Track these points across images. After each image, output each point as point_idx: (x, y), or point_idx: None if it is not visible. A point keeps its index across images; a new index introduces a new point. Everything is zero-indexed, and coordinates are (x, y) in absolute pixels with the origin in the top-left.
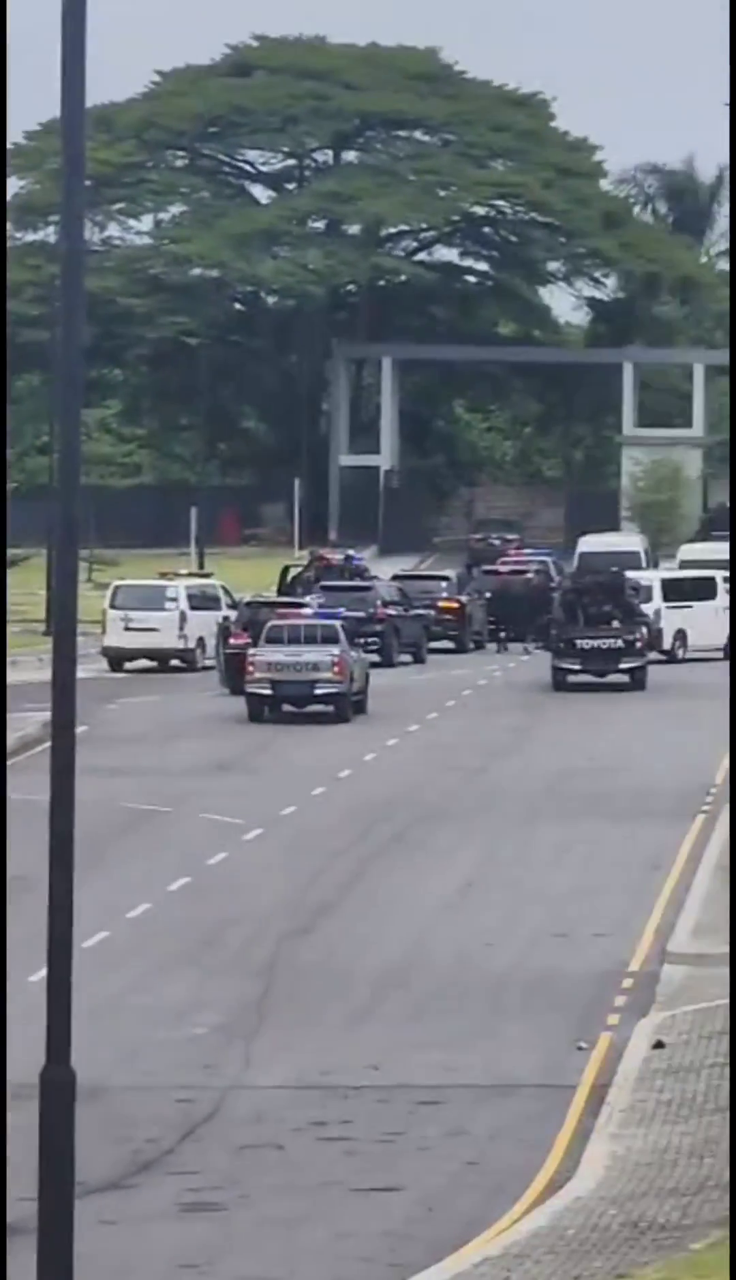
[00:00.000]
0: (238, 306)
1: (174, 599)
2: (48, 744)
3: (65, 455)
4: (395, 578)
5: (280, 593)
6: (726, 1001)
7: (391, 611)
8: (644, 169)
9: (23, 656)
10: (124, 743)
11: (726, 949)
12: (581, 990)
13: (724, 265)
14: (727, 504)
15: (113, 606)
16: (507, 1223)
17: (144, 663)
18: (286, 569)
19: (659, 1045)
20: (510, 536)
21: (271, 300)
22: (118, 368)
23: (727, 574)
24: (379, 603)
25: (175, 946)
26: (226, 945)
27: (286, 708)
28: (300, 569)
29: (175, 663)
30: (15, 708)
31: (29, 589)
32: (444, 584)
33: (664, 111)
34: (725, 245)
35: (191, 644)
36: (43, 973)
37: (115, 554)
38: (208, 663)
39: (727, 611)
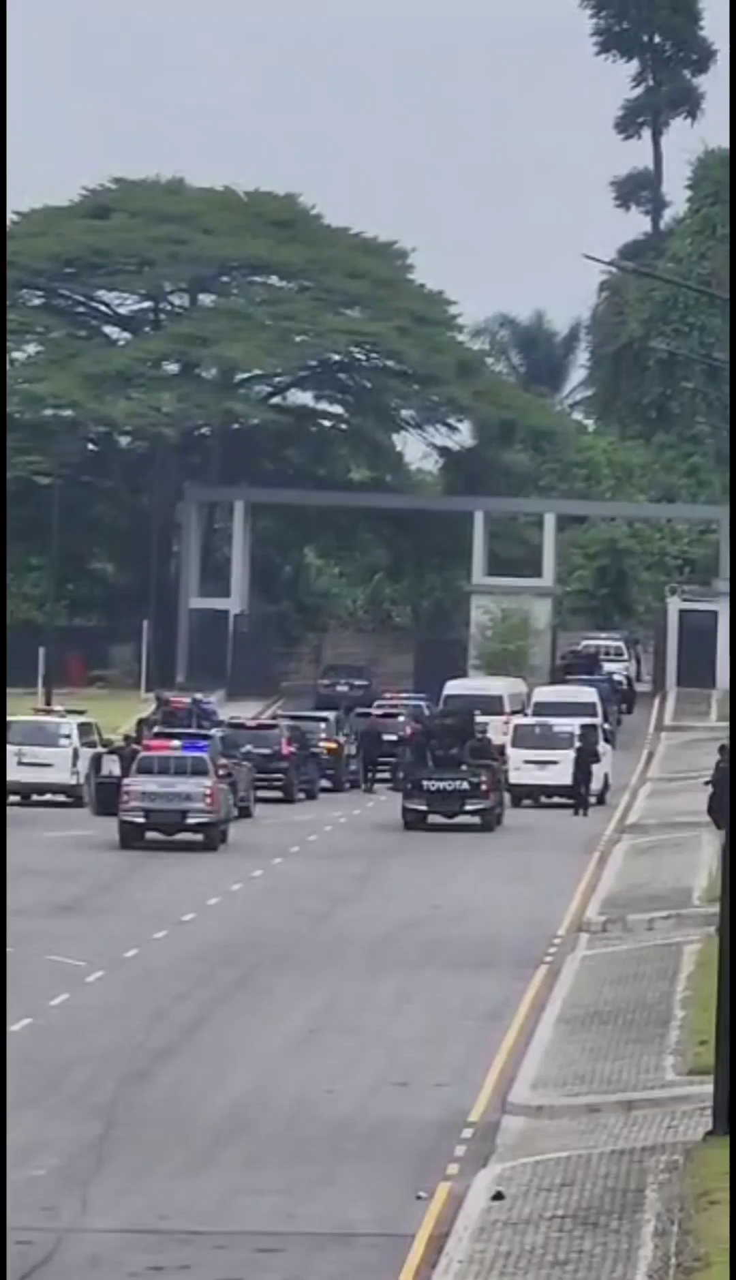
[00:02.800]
0: (90, 447)
1: (67, 736)
2: None
3: None
4: (276, 718)
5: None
6: (565, 1154)
7: (294, 749)
8: (497, 321)
9: None
10: None
11: (567, 1101)
12: (421, 1139)
13: (577, 416)
14: (574, 649)
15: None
16: None
17: (17, 797)
18: (142, 721)
19: (498, 1197)
20: (358, 682)
21: (124, 441)
22: None
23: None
24: (284, 740)
25: (15, 1087)
26: (67, 1087)
27: (152, 834)
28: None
29: (61, 798)
30: None
31: None
32: (322, 725)
33: (516, 266)
34: (579, 396)
35: (81, 779)
36: None
37: None
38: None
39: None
